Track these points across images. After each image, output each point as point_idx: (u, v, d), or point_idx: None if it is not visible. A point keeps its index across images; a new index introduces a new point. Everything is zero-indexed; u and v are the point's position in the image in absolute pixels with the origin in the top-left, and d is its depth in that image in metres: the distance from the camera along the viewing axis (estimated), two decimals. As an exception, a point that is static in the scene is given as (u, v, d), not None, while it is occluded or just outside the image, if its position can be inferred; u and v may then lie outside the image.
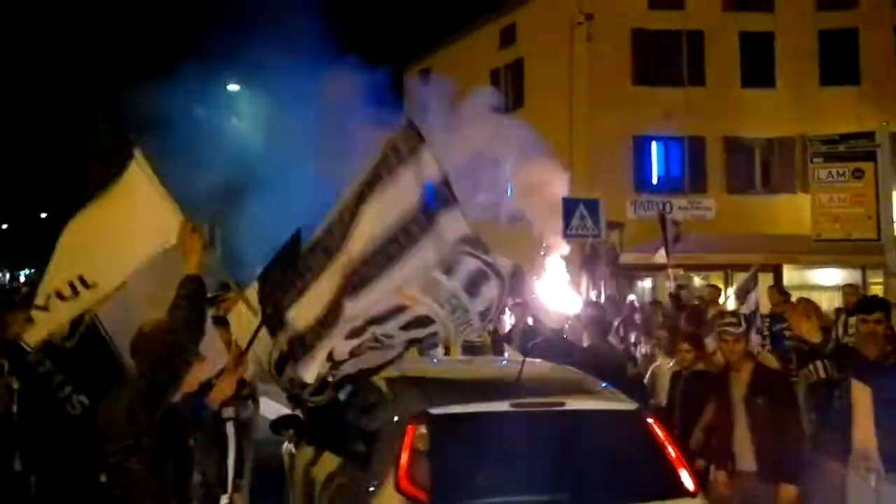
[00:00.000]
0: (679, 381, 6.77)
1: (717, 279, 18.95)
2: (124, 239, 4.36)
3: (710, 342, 7.31)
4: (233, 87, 20.56)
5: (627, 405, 4.71)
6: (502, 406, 4.36)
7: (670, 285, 13.91)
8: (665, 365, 7.73)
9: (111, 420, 3.27)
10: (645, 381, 8.09)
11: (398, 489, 4.07)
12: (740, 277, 15.67)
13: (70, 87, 50.53)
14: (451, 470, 4.17)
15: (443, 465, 4.15)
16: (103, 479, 3.36)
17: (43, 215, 60.41)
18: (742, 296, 10.23)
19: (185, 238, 4.08)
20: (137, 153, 4.43)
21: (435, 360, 8.74)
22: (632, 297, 16.67)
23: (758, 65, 22.25)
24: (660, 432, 4.51)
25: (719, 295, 11.97)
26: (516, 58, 24.53)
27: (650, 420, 4.58)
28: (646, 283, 22.37)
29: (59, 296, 4.32)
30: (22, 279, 49.78)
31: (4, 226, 67.38)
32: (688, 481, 4.29)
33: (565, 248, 15.02)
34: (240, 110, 20.30)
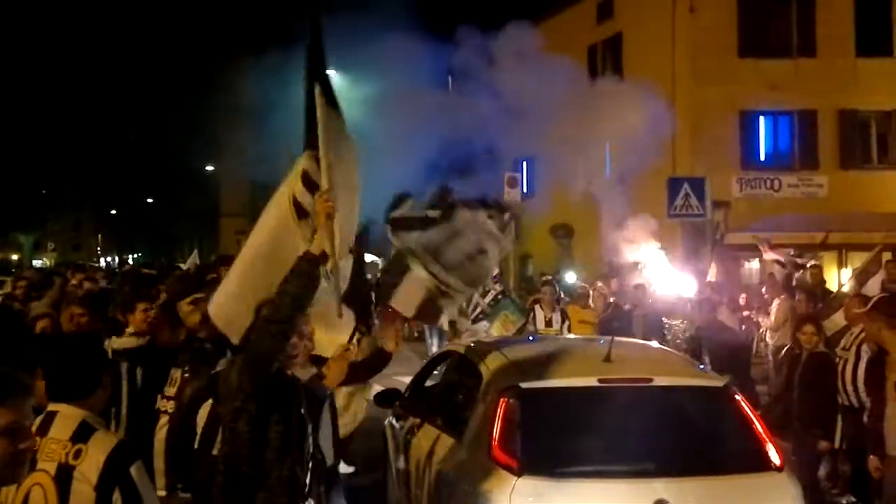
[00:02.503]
0: (798, 363, 6.79)
1: (829, 260, 18.26)
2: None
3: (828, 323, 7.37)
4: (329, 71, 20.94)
5: (715, 382, 4.81)
6: (590, 381, 4.55)
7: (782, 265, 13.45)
8: None
9: (226, 382, 3.50)
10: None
11: (491, 457, 4.32)
12: (855, 258, 15.04)
13: (171, 82, 53.15)
14: (541, 440, 4.38)
15: (533, 436, 4.37)
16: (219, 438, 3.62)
17: (149, 200, 63.23)
18: (863, 278, 9.78)
19: (321, 208, 3.55)
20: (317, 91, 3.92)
21: (530, 338, 8.97)
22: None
23: (874, 32, 21.09)
24: (747, 408, 4.59)
25: (821, 277, 11.57)
26: (614, 32, 24.06)
27: (738, 397, 4.66)
28: (753, 265, 21.76)
29: None
30: (130, 262, 52.59)
31: (113, 211, 70.49)
32: (774, 456, 4.37)
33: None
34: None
